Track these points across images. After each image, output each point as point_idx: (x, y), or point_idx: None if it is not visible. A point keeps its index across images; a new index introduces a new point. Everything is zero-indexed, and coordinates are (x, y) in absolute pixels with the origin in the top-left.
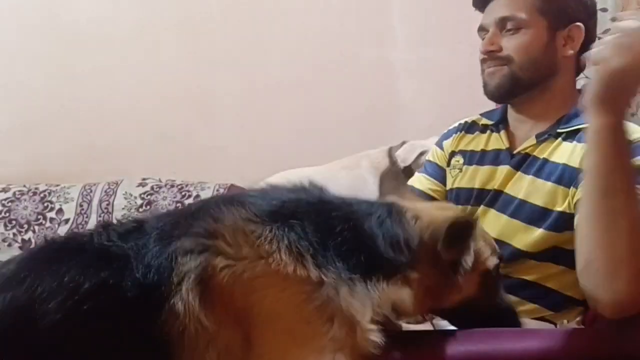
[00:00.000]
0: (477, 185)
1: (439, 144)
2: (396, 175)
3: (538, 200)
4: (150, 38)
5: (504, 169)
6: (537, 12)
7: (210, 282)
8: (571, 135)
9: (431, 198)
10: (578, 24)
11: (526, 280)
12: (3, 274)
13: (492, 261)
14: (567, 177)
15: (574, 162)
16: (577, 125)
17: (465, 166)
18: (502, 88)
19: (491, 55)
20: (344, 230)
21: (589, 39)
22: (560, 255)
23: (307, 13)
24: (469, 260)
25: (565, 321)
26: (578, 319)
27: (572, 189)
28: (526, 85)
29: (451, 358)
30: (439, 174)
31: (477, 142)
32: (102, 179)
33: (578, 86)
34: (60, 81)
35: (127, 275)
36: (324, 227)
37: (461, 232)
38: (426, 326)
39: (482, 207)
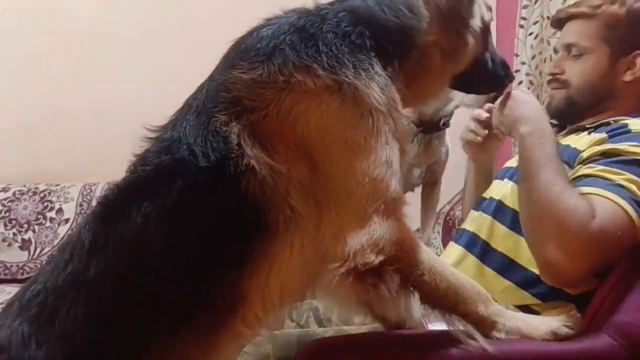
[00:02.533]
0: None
1: None
2: None
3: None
4: (150, 38)
5: None
6: (602, 40)
7: (262, 133)
8: (594, 129)
9: None
10: (637, 52)
11: (515, 261)
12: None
13: (489, 15)
14: (566, 157)
15: (580, 145)
16: (603, 120)
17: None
18: (558, 111)
19: (554, 78)
20: (339, 24)
21: None
22: None
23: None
24: (477, 19)
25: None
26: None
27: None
28: (581, 109)
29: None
30: None
31: None
32: (102, 179)
33: None
34: (60, 81)
35: (194, 170)
36: (310, 32)
37: None
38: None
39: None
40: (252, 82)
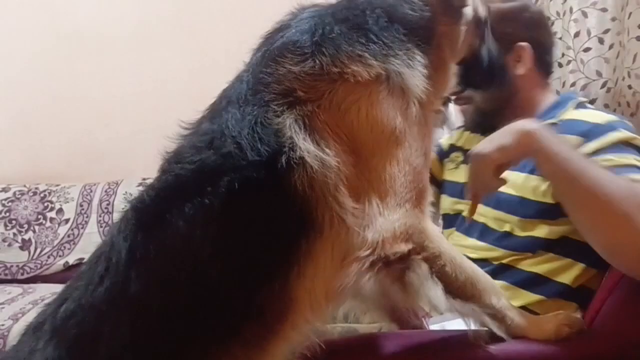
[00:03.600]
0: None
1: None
2: None
3: (514, 191)
4: (150, 38)
5: None
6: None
7: (314, 126)
8: None
9: None
10: (520, 44)
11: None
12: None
13: (483, 11)
14: (528, 169)
15: None
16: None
17: (462, 165)
18: (475, 123)
19: (457, 97)
20: (379, 19)
21: (543, 47)
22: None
23: None
24: (469, 9)
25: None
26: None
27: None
28: (494, 113)
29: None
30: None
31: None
32: (102, 179)
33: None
34: (61, 81)
35: (243, 165)
36: (356, 22)
37: None
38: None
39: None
40: (304, 74)
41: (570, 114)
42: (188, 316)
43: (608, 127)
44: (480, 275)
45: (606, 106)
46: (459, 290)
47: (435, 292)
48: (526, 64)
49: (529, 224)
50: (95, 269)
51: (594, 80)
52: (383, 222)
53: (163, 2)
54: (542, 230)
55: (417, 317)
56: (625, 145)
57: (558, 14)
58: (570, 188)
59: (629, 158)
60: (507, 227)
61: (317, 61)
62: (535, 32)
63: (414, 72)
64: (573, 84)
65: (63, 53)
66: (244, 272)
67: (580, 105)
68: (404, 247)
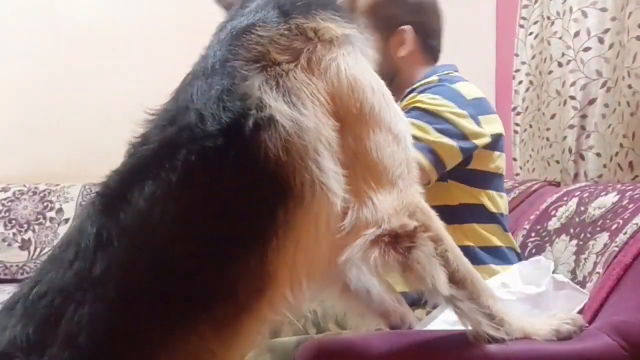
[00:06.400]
0: None
1: None
2: None
3: None
4: (150, 38)
5: None
6: (371, 29)
7: (289, 86)
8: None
9: None
10: (402, 27)
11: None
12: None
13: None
14: None
15: None
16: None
17: None
18: None
19: None
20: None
21: (428, 32)
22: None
23: None
24: None
25: None
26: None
27: None
28: None
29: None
30: None
31: None
32: (102, 179)
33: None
34: (61, 81)
35: (200, 136)
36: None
37: None
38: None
39: None
40: (279, 35)
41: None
42: (150, 296)
43: (432, 88)
44: (477, 274)
45: (606, 106)
46: (460, 283)
47: (439, 275)
48: (408, 47)
49: None
50: (66, 253)
51: (594, 79)
52: (379, 199)
53: (163, 2)
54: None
55: (403, 322)
56: (417, 110)
57: (558, 13)
58: None
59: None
60: None
61: (292, 22)
62: (421, 16)
63: (368, 42)
64: (573, 84)
65: (63, 53)
66: (212, 248)
67: (442, 79)
68: (409, 222)
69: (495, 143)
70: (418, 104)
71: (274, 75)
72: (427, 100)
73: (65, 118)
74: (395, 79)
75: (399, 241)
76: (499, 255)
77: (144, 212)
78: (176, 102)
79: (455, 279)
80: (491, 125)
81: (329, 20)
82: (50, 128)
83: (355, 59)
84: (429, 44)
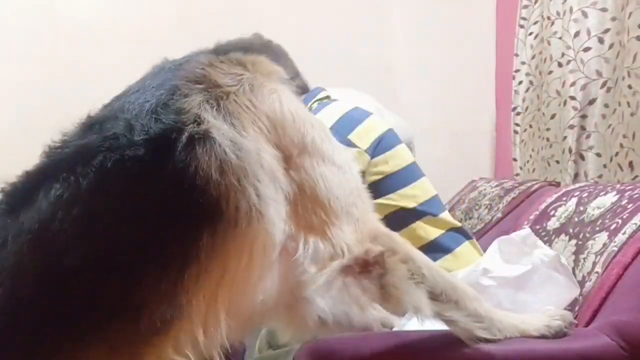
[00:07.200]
0: None
1: None
2: None
3: None
4: (150, 38)
5: None
6: None
7: (230, 109)
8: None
9: None
10: None
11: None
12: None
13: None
14: None
15: None
16: None
17: None
18: None
19: None
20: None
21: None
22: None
23: (307, 12)
24: None
25: None
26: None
27: None
28: None
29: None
30: None
31: None
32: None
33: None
34: (61, 81)
35: (123, 144)
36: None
37: None
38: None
39: None
40: (219, 62)
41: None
42: (38, 306)
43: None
44: (456, 280)
45: (606, 106)
46: (442, 295)
47: (419, 295)
48: None
49: None
50: None
51: (594, 80)
52: (335, 230)
53: (163, 2)
54: None
55: (385, 325)
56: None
57: (558, 13)
58: None
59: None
60: None
61: (231, 55)
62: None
63: (293, 85)
64: (573, 84)
65: (63, 53)
66: (116, 261)
67: (321, 103)
68: (374, 247)
69: (373, 149)
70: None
71: (214, 97)
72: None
73: (65, 118)
74: None
75: (369, 269)
76: (439, 248)
77: (45, 215)
78: (105, 111)
79: (436, 293)
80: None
81: (264, 60)
82: (50, 128)
83: (292, 95)
84: (297, 84)
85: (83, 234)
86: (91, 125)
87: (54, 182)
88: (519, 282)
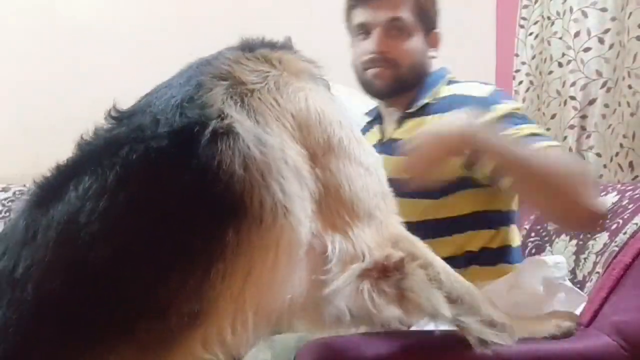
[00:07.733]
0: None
1: None
2: None
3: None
4: (150, 38)
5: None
6: (417, 17)
7: (254, 106)
8: (418, 113)
9: None
10: (437, 30)
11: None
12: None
13: None
14: None
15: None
16: (421, 103)
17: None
18: (388, 89)
19: (380, 57)
20: None
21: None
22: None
23: (307, 12)
24: None
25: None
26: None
27: None
28: (410, 86)
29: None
30: None
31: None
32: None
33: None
34: (61, 81)
35: (148, 136)
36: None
37: None
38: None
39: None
40: (245, 59)
41: (447, 90)
42: (66, 301)
43: (492, 100)
44: (470, 285)
45: (606, 106)
46: (459, 300)
47: (437, 300)
48: (437, 50)
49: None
50: None
51: (594, 80)
52: (357, 232)
53: (163, 2)
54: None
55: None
56: (513, 116)
57: (558, 13)
58: (522, 174)
59: (525, 128)
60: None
61: (257, 52)
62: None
63: (328, 84)
64: (573, 84)
65: (63, 53)
66: (143, 256)
67: (451, 82)
68: (395, 252)
69: None
70: (513, 112)
71: (239, 93)
72: (514, 106)
73: (65, 118)
74: (423, 80)
75: (388, 275)
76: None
77: (73, 207)
78: (134, 106)
79: (452, 298)
80: None
81: (293, 57)
82: (50, 128)
83: (322, 94)
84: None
85: (108, 227)
86: (120, 119)
87: (83, 175)
88: (509, 280)
